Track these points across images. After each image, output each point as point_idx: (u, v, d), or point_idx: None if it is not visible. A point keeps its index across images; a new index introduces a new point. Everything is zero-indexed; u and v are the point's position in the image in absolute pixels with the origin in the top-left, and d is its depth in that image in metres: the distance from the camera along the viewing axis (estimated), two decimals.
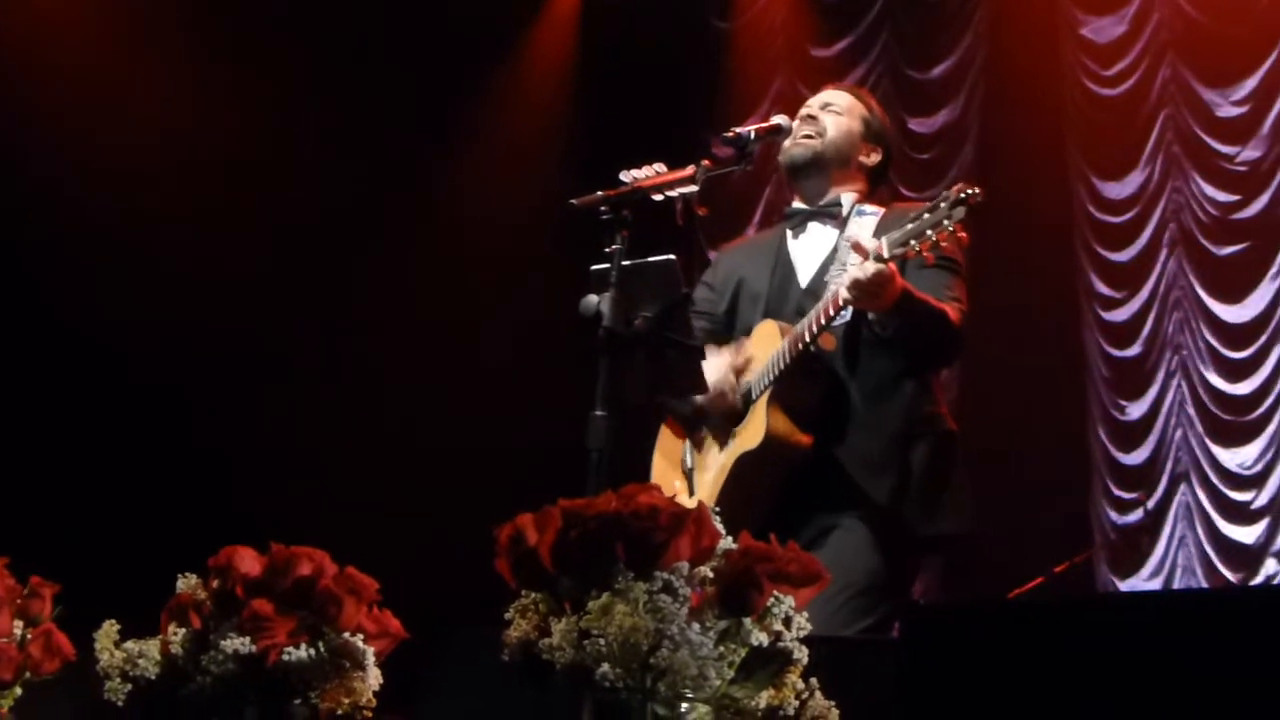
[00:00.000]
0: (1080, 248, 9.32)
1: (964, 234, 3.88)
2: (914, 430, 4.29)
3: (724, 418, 4.41)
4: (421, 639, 2.87)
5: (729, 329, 4.57)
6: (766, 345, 4.31)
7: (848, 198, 4.52)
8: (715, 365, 4.31)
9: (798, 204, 4.64)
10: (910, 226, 3.92)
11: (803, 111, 4.62)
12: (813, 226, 4.55)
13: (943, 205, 3.87)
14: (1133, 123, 9.27)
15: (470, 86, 10.08)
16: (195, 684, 2.51)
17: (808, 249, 4.53)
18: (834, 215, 4.50)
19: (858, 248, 3.99)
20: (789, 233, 4.60)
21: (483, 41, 10.14)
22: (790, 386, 4.23)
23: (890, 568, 4.22)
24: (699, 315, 4.50)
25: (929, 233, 3.88)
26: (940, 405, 4.42)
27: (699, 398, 4.26)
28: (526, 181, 9.63)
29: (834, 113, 4.60)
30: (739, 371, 4.35)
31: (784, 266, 4.54)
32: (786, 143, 4.54)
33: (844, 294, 4.02)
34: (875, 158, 4.61)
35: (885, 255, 3.93)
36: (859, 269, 3.96)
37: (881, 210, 4.45)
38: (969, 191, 3.85)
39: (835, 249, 4.41)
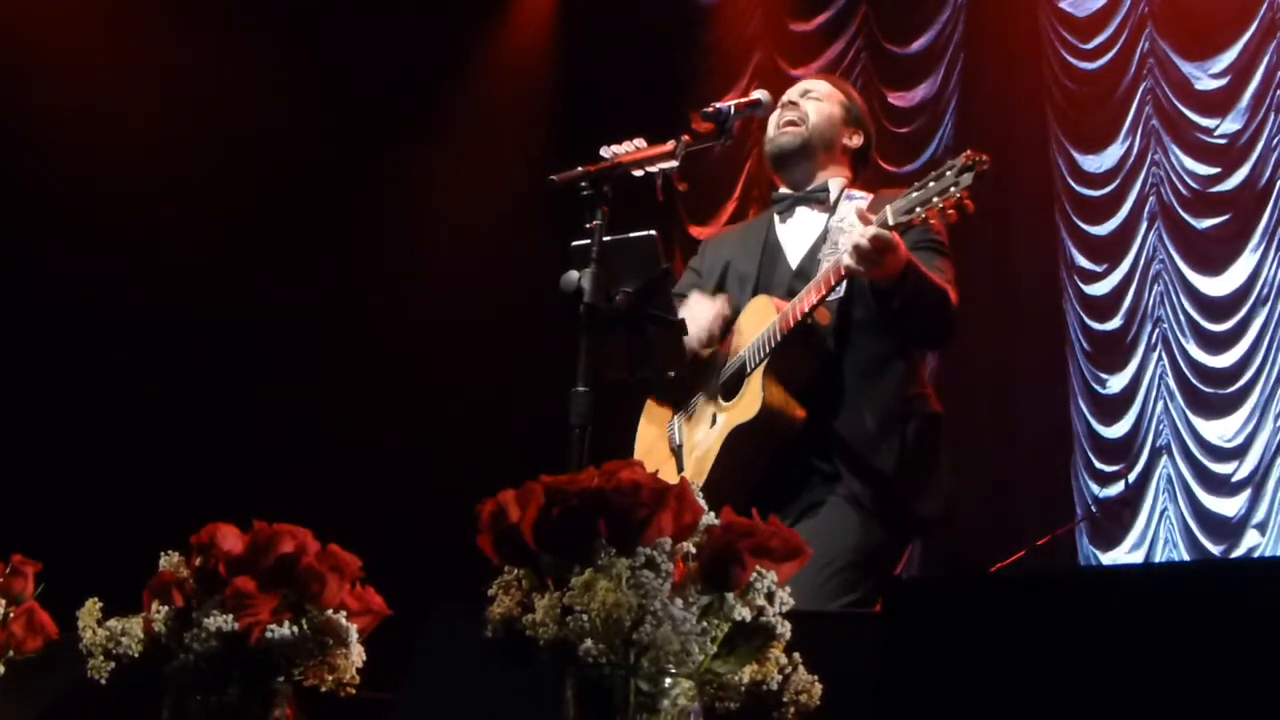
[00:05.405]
0: (1060, 221, 9.34)
1: (970, 202, 3.81)
2: (902, 410, 4.29)
3: (707, 390, 4.41)
4: (404, 616, 2.87)
5: None
6: (759, 319, 4.31)
7: (835, 183, 4.53)
8: (702, 306, 4.37)
9: (785, 190, 4.64)
10: (915, 194, 3.89)
11: (783, 99, 4.62)
12: (800, 211, 4.55)
13: (949, 173, 3.84)
14: (1112, 96, 9.29)
15: (451, 62, 10.06)
16: (178, 662, 2.50)
17: (796, 233, 4.53)
18: (821, 200, 4.51)
19: (862, 215, 3.97)
20: (776, 217, 4.61)
21: (463, 16, 10.12)
22: (786, 359, 4.22)
23: (875, 545, 4.22)
24: (684, 299, 4.49)
25: (935, 199, 3.84)
26: (925, 387, 4.42)
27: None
28: (507, 157, 9.61)
29: (814, 99, 4.61)
30: (726, 323, 4.39)
31: (772, 249, 4.55)
32: (771, 132, 4.58)
33: (847, 261, 3.98)
34: (857, 140, 4.62)
35: (890, 222, 3.91)
36: (860, 234, 3.93)
37: (870, 196, 4.42)
38: (978, 159, 3.79)
39: (825, 231, 4.40)
